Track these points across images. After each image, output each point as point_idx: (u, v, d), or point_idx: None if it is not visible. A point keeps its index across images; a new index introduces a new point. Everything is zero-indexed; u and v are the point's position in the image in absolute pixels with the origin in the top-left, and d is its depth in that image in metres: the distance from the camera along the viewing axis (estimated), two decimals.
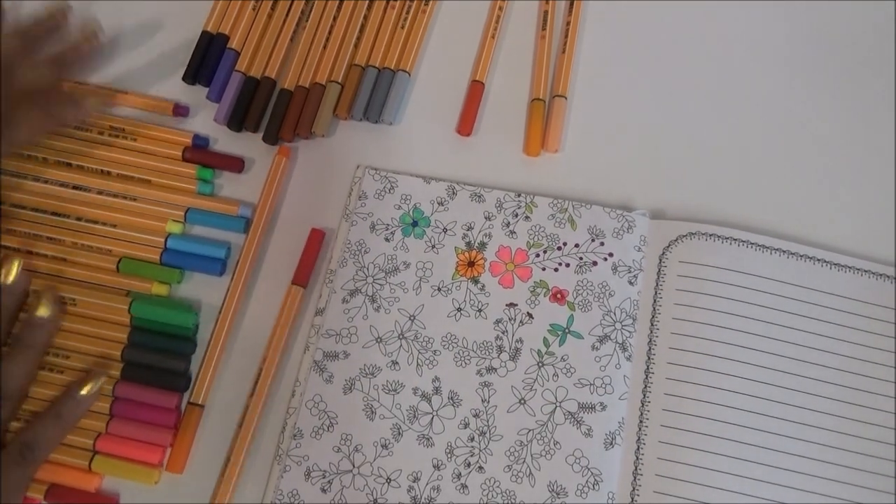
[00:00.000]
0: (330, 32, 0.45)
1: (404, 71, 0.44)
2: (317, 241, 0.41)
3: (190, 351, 0.39)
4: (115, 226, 0.41)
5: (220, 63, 0.44)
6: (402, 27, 0.45)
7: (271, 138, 0.43)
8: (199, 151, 0.43)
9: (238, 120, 0.43)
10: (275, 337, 0.39)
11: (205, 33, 0.45)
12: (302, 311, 0.40)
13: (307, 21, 0.46)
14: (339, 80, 0.44)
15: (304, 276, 0.40)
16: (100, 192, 0.41)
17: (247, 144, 0.43)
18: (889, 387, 0.38)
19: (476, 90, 0.44)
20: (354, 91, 0.44)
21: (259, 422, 0.38)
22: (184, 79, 0.44)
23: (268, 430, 0.38)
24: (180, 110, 0.44)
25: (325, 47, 0.45)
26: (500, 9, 0.46)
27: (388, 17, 0.45)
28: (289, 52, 0.45)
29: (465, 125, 0.43)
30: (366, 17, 0.45)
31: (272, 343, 0.39)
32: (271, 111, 0.43)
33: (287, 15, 0.46)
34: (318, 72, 0.44)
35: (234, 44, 0.45)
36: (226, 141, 0.44)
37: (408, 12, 0.46)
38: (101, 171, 0.42)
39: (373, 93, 0.44)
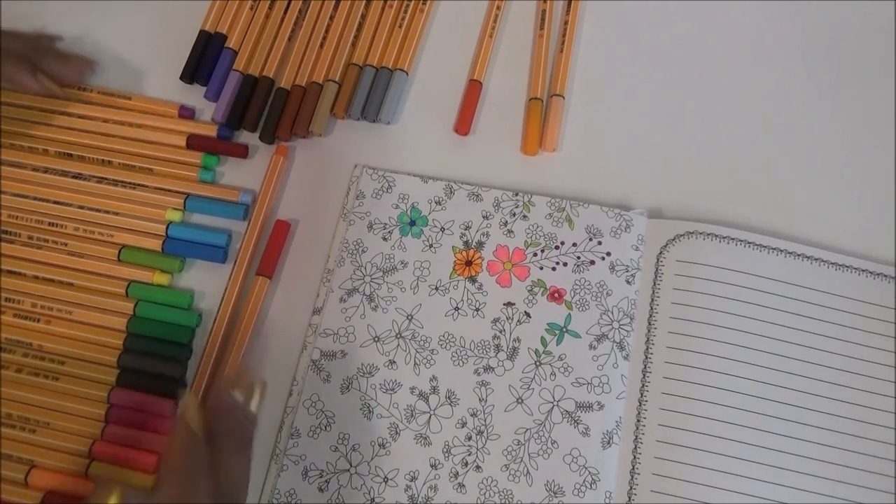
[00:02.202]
0: (327, 31, 0.45)
1: (402, 70, 0.44)
2: (282, 233, 0.41)
3: (186, 356, 0.39)
4: (116, 213, 0.41)
5: (217, 62, 0.44)
6: (400, 26, 0.45)
7: (268, 137, 0.43)
8: (202, 138, 0.43)
9: (237, 118, 0.43)
10: (241, 328, 0.39)
11: (202, 32, 0.45)
12: (267, 302, 0.40)
13: (304, 20, 0.46)
14: (337, 80, 0.44)
15: (268, 266, 0.40)
16: (100, 181, 0.42)
17: (247, 138, 0.44)
18: (889, 387, 0.38)
19: (474, 89, 0.44)
20: (352, 90, 0.44)
21: None
22: (181, 78, 0.44)
23: (265, 430, 0.38)
24: (186, 112, 0.44)
25: (322, 46, 0.45)
26: (498, 8, 0.46)
27: (385, 16, 0.45)
28: (286, 51, 0.45)
29: (463, 124, 0.43)
30: (363, 16, 0.45)
31: (237, 333, 0.39)
32: (268, 110, 0.43)
33: (284, 14, 0.46)
34: (315, 71, 0.44)
35: (231, 43, 0.45)
36: None
37: (405, 11, 0.46)
38: (104, 160, 0.42)
39: (370, 92, 0.44)
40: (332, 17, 0.45)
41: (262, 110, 0.43)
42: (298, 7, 0.46)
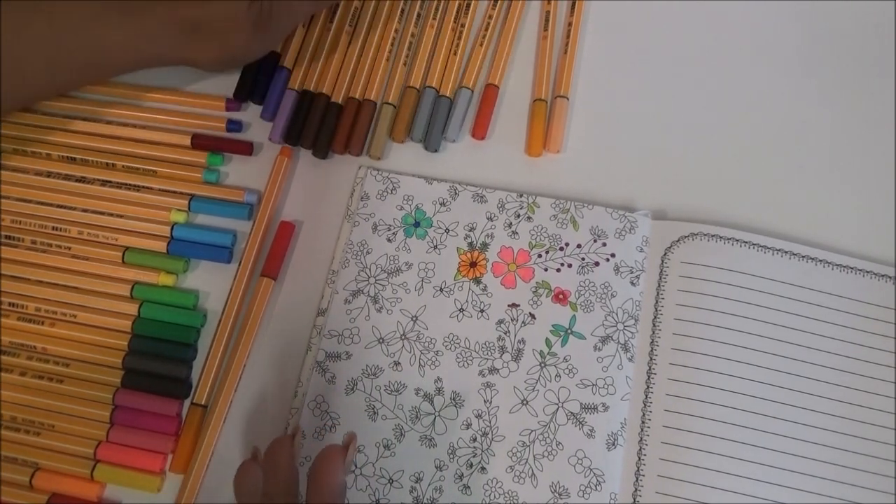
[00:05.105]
0: (378, 49, 0.44)
1: (467, 88, 0.44)
2: (286, 234, 0.41)
3: (191, 357, 0.39)
4: (120, 216, 0.41)
5: (272, 81, 0.44)
6: (455, 53, 0.44)
7: (322, 153, 0.42)
8: (207, 137, 0.43)
9: (295, 137, 0.42)
10: (246, 328, 0.39)
11: None
12: (272, 303, 0.40)
13: (353, 36, 0.45)
14: (393, 102, 0.43)
15: (273, 267, 0.40)
16: (104, 184, 0.42)
17: (252, 133, 0.44)
18: (889, 387, 0.38)
19: (491, 93, 0.44)
20: (411, 114, 0.43)
21: (227, 419, 0.38)
22: (235, 96, 0.44)
23: (269, 431, 0.38)
24: (232, 105, 0.43)
25: (374, 64, 0.44)
26: (521, 10, 0.46)
27: (443, 39, 0.45)
28: (340, 66, 0.44)
29: (480, 128, 0.43)
30: (413, 35, 0.45)
31: (241, 334, 0.39)
32: (321, 125, 0.43)
33: (341, 32, 0.45)
34: (369, 88, 0.44)
35: (284, 61, 0.44)
36: None
37: (462, 28, 0.45)
38: (107, 163, 0.42)
39: (432, 117, 0.43)
40: (382, 36, 0.45)
41: (320, 127, 0.43)
42: (350, 24, 0.45)
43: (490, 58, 0.45)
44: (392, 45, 0.45)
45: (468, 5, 0.46)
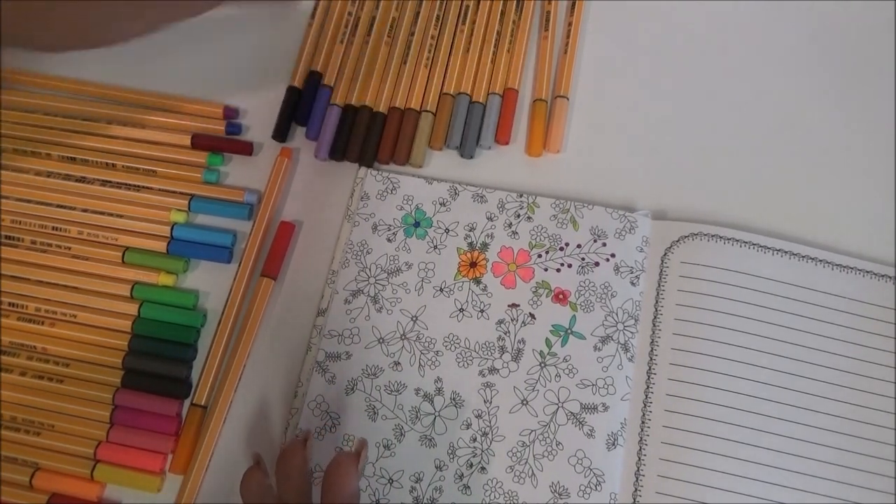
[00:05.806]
0: (418, 57, 0.45)
1: (496, 94, 0.44)
2: (286, 234, 0.41)
3: (191, 357, 0.39)
4: (120, 216, 0.41)
5: (315, 101, 0.43)
6: (492, 62, 0.45)
7: (368, 162, 0.42)
8: (207, 137, 0.43)
9: (340, 152, 0.42)
10: (246, 328, 0.39)
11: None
12: (272, 303, 0.40)
13: (391, 47, 0.45)
14: (431, 110, 0.43)
15: (273, 267, 0.40)
16: (104, 184, 0.42)
17: (252, 134, 0.44)
18: (889, 387, 0.38)
19: (511, 97, 0.44)
20: (447, 121, 0.43)
21: (227, 419, 0.38)
22: (274, 138, 0.43)
23: (270, 432, 0.38)
24: (230, 113, 0.43)
25: (415, 73, 0.44)
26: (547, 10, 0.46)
27: (475, 44, 0.45)
28: (380, 78, 0.44)
29: (504, 133, 0.43)
30: (440, 43, 0.45)
31: (242, 334, 0.39)
32: (366, 137, 0.43)
33: (380, 44, 0.45)
34: (411, 97, 0.44)
35: (325, 80, 0.44)
36: None
37: (498, 37, 0.45)
38: (107, 163, 0.42)
39: (466, 124, 0.43)
40: (421, 44, 0.45)
41: (365, 139, 0.42)
42: (393, 34, 0.45)
43: (507, 61, 0.45)
44: (429, 52, 0.45)
45: (497, 8, 0.46)
